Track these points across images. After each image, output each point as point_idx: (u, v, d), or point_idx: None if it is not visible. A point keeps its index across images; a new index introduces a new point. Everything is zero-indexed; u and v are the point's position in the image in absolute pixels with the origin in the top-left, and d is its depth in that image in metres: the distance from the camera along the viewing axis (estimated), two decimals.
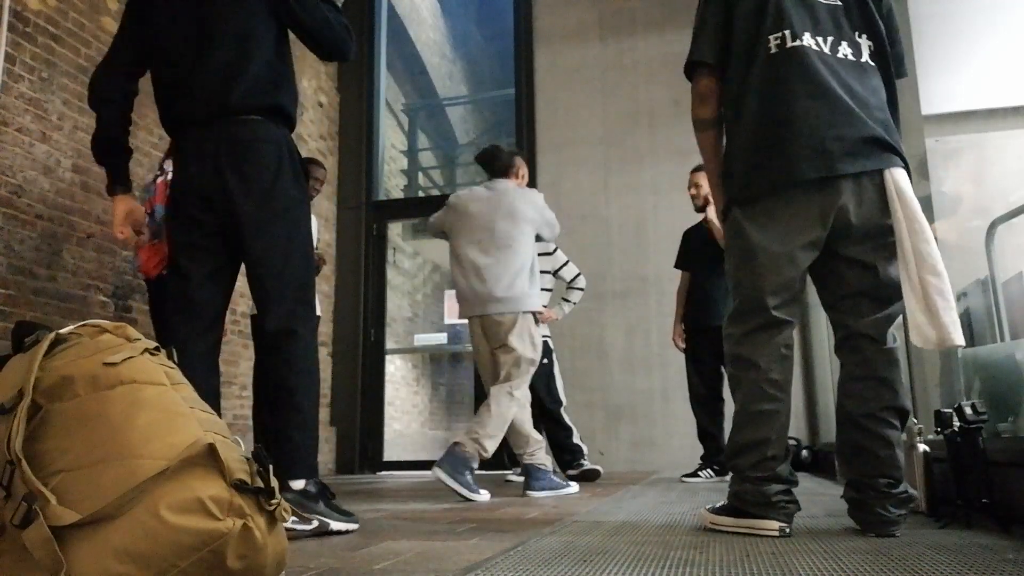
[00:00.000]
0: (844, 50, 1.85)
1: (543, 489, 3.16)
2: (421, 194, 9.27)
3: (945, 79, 3.71)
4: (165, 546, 0.98)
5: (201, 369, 1.95)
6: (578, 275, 4.38)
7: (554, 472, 3.32)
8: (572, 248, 4.95)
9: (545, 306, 4.38)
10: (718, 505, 1.90)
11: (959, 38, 3.80)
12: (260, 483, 1.08)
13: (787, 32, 1.82)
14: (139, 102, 2.21)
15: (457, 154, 10.48)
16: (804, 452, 4.77)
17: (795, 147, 1.76)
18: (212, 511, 1.01)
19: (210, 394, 1.92)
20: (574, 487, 3.30)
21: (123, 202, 2.15)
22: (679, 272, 4.30)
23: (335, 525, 1.89)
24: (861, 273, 1.81)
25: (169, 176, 3.14)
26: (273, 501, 1.08)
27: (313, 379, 2.05)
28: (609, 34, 5.94)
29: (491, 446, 3.05)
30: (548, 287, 4.34)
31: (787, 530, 1.74)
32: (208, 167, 2.00)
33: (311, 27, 2.10)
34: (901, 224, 1.72)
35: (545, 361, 4.36)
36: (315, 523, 1.85)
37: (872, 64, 1.87)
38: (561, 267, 4.39)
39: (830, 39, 1.84)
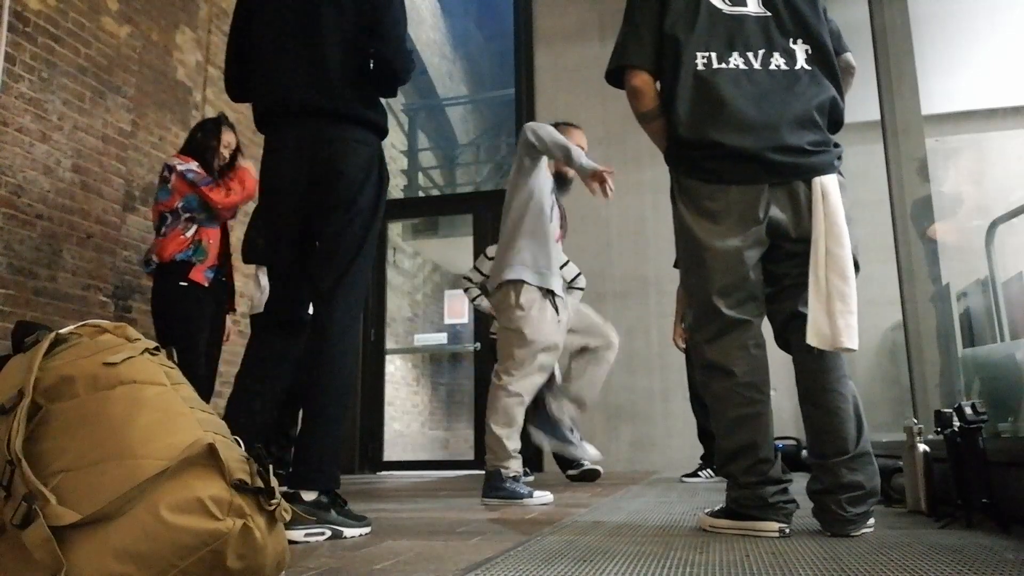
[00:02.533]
0: (776, 61, 1.87)
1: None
2: (421, 194, 9.28)
3: (945, 79, 3.71)
4: (165, 546, 0.98)
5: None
6: (578, 275, 4.40)
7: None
8: (572, 248, 4.94)
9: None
10: (716, 508, 1.90)
11: (959, 38, 3.80)
12: (260, 483, 1.08)
13: (713, 55, 1.86)
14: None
15: (457, 154, 10.49)
16: (804, 452, 4.77)
17: (724, 156, 1.81)
18: (212, 511, 1.01)
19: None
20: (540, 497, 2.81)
21: None
22: (679, 272, 4.29)
23: (348, 532, 1.86)
24: (801, 264, 1.83)
25: (179, 168, 3.26)
26: (273, 501, 1.08)
27: (342, 382, 1.99)
28: (609, 34, 5.91)
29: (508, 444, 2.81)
30: None
31: (786, 530, 1.74)
32: None
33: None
34: (820, 225, 1.77)
35: None
36: (328, 532, 1.83)
37: (808, 68, 1.88)
38: (562, 267, 4.39)
39: (760, 52, 1.87)
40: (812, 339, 1.75)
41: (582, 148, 3.10)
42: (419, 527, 2.06)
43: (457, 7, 10.48)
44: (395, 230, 8.15)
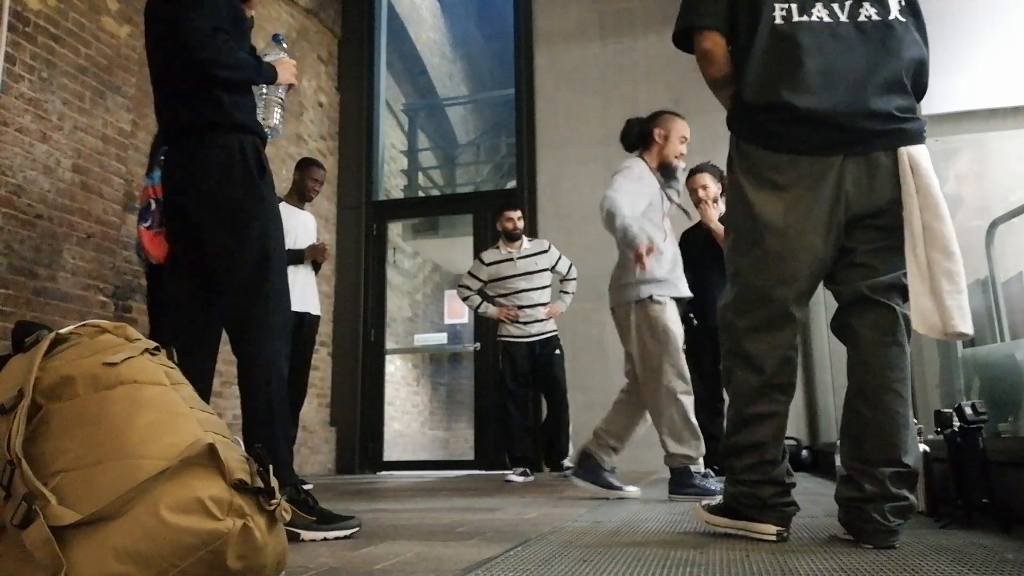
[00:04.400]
0: (866, 11, 1.66)
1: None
2: (421, 194, 9.27)
3: (945, 79, 3.71)
4: (165, 546, 0.98)
5: None
6: (571, 266, 4.62)
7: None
8: (572, 248, 4.95)
9: (547, 302, 4.49)
10: (714, 503, 1.82)
11: (959, 38, 3.80)
12: (260, 483, 1.08)
13: (794, 6, 1.67)
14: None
15: (457, 154, 10.49)
16: (804, 452, 4.77)
17: (796, 120, 1.63)
18: (212, 511, 1.01)
19: None
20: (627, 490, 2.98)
21: None
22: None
23: (306, 535, 1.80)
24: (874, 239, 1.65)
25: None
26: (273, 501, 1.08)
27: (265, 380, 1.98)
28: (609, 34, 5.94)
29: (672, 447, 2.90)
30: (547, 284, 4.52)
31: (784, 534, 1.66)
32: None
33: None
34: (912, 198, 1.57)
35: (557, 352, 4.47)
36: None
37: (903, 20, 1.67)
38: (556, 262, 4.60)
39: (848, 1, 1.67)
40: (920, 326, 1.56)
41: (684, 138, 3.06)
42: (419, 527, 2.06)
43: (457, 7, 10.48)
44: (395, 230, 8.14)
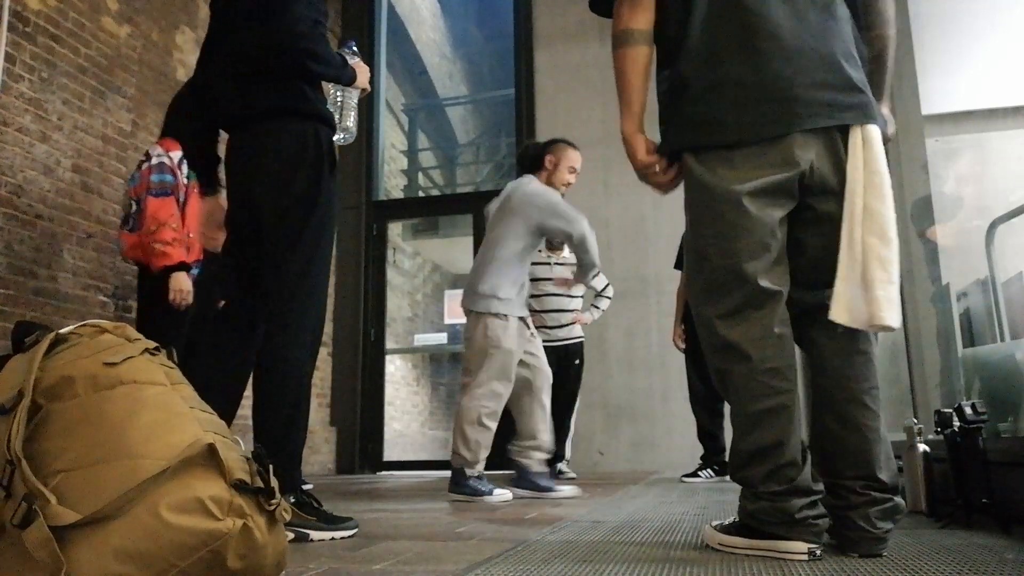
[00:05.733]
0: None
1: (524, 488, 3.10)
2: (421, 194, 9.27)
3: (945, 79, 3.72)
4: (165, 546, 0.98)
5: None
6: (607, 285, 4.63)
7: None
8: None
9: (577, 309, 4.52)
10: (727, 523, 1.58)
11: (959, 38, 3.80)
12: (260, 483, 1.08)
13: None
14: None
15: (457, 154, 10.49)
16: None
17: (744, 100, 1.49)
18: (212, 511, 1.01)
19: None
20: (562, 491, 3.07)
21: None
22: (679, 272, 4.30)
23: (315, 535, 1.81)
24: (828, 231, 1.50)
25: (154, 162, 3.19)
26: (273, 501, 1.08)
27: (295, 383, 1.97)
28: (609, 34, 5.93)
29: (463, 450, 3.00)
30: (580, 295, 4.54)
31: (817, 552, 1.42)
32: None
33: None
34: (858, 174, 1.44)
35: (577, 362, 4.49)
36: (290, 535, 1.81)
37: None
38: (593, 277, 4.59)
39: None
40: (839, 315, 1.43)
41: (573, 168, 3.35)
42: (419, 527, 2.06)
43: (457, 7, 10.48)
44: (395, 230, 8.15)
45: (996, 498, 1.81)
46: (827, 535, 1.49)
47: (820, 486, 1.50)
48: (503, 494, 2.96)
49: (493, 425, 3.04)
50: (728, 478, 4.00)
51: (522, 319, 3.16)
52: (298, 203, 1.97)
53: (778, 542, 1.44)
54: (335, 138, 2.13)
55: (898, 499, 1.49)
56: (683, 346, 4.20)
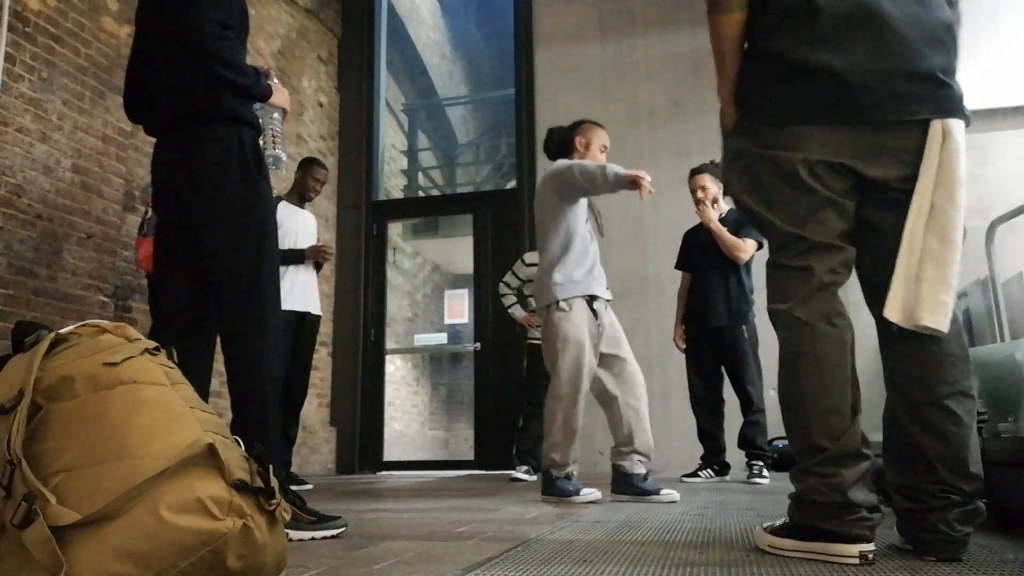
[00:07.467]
0: None
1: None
2: (421, 194, 9.28)
3: None
4: (165, 546, 0.98)
5: None
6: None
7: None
8: None
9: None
10: (778, 523, 1.51)
11: (959, 38, 3.79)
12: (260, 483, 1.08)
13: None
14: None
15: (457, 154, 10.49)
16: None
17: (816, 93, 1.44)
18: (212, 511, 1.01)
19: None
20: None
21: None
22: (679, 273, 4.30)
23: (294, 535, 1.80)
24: (891, 232, 1.45)
25: None
26: (273, 501, 1.08)
27: (258, 381, 1.97)
28: (609, 34, 5.94)
29: (556, 455, 2.90)
30: None
31: (870, 556, 1.34)
32: None
33: None
34: (930, 172, 1.38)
35: None
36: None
37: None
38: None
39: None
40: (891, 311, 1.39)
41: (605, 147, 3.14)
42: (419, 527, 2.06)
43: (457, 7, 10.49)
44: (395, 230, 8.15)
45: (996, 498, 1.81)
46: (901, 537, 1.46)
47: (869, 451, 1.43)
48: (591, 494, 2.84)
49: (576, 424, 2.95)
50: (728, 478, 4.02)
51: (591, 298, 2.99)
52: (234, 209, 1.98)
53: (829, 544, 1.38)
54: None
55: (979, 503, 1.41)
56: (683, 346, 4.19)
